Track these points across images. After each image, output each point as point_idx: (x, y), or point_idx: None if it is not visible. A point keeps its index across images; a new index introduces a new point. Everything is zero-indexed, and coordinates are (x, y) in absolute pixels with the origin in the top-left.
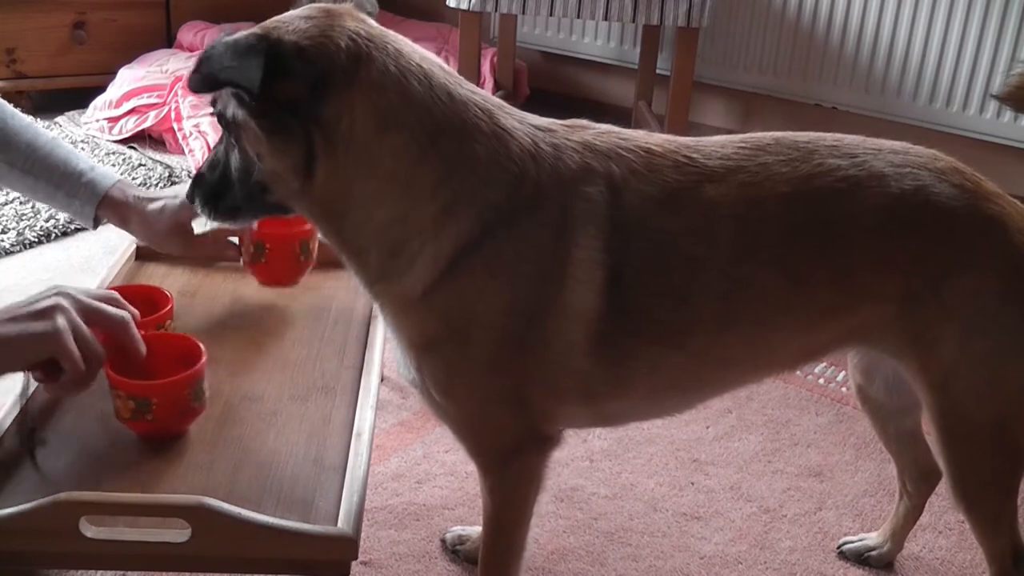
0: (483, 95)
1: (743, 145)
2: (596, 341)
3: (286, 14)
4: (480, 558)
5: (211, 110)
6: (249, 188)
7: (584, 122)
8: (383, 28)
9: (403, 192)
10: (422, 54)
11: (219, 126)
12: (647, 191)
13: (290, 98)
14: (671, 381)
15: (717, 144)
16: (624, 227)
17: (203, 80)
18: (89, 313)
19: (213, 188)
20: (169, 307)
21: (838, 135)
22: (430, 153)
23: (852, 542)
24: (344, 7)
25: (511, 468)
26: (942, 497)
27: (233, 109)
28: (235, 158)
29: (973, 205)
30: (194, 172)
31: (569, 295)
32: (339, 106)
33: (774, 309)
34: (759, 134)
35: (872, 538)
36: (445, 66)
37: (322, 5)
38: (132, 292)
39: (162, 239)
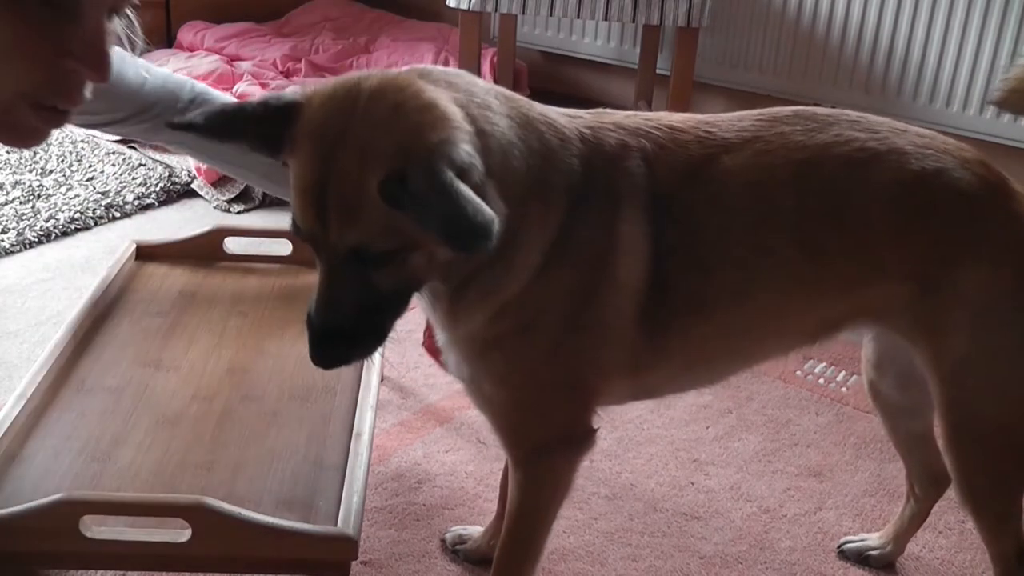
0: (521, 97)
1: (760, 117)
2: (642, 313)
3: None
4: (496, 556)
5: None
6: (406, 300)
7: (607, 110)
8: (455, 74)
9: (516, 202)
10: (485, 86)
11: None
12: (675, 164)
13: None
14: (702, 352)
15: (735, 118)
16: (659, 200)
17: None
18: None
19: (352, 330)
20: None
21: (862, 113)
22: (528, 162)
23: (853, 541)
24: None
25: (544, 463)
26: (942, 497)
27: (408, 236)
28: (387, 282)
29: (995, 198)
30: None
31: (621, 270)
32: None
33: (790, 277)
34: (778, 108)
35: (874, 538)
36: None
37: (420, 84)
38: None
39: None
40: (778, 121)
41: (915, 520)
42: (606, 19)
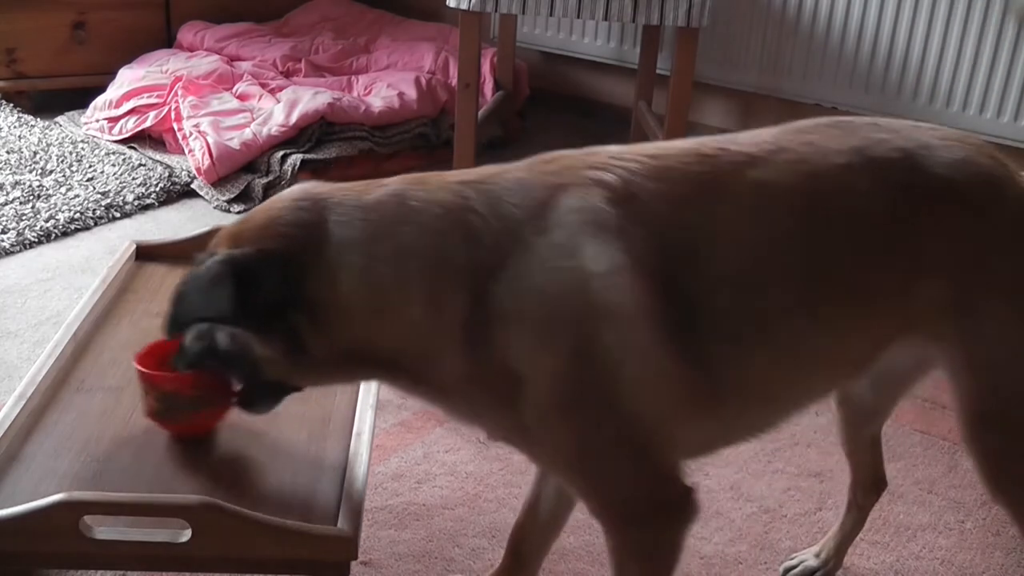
0: (396, 181)
1: (783, 131)
2: (669, 341)
3: (249, 216)
4: None
5: (211, 109)
6: (245, 372)
7: (553, 154)
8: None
9: (393, 310)
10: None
11: None
12: (662, 188)
13: (268, 300)
14: (763, 390)
15: (750, 135)
16: (642, 222)
17: (174, 324)
18: None
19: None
20: None
21: (868, 118)
22: (378, 267)
23: (794, 567)
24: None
25: (640, 533)
26: (941, 497)
27: (220, 334)
28: (223, 346)
29: (1013, 180)
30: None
31: (601, 293)
32: (313, 281)
33: (840, 289)
34: (795, 123)
35: (810, 557)
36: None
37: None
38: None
39: None
40: (802, 132)
41: (856, 528)
42: (606, 19)
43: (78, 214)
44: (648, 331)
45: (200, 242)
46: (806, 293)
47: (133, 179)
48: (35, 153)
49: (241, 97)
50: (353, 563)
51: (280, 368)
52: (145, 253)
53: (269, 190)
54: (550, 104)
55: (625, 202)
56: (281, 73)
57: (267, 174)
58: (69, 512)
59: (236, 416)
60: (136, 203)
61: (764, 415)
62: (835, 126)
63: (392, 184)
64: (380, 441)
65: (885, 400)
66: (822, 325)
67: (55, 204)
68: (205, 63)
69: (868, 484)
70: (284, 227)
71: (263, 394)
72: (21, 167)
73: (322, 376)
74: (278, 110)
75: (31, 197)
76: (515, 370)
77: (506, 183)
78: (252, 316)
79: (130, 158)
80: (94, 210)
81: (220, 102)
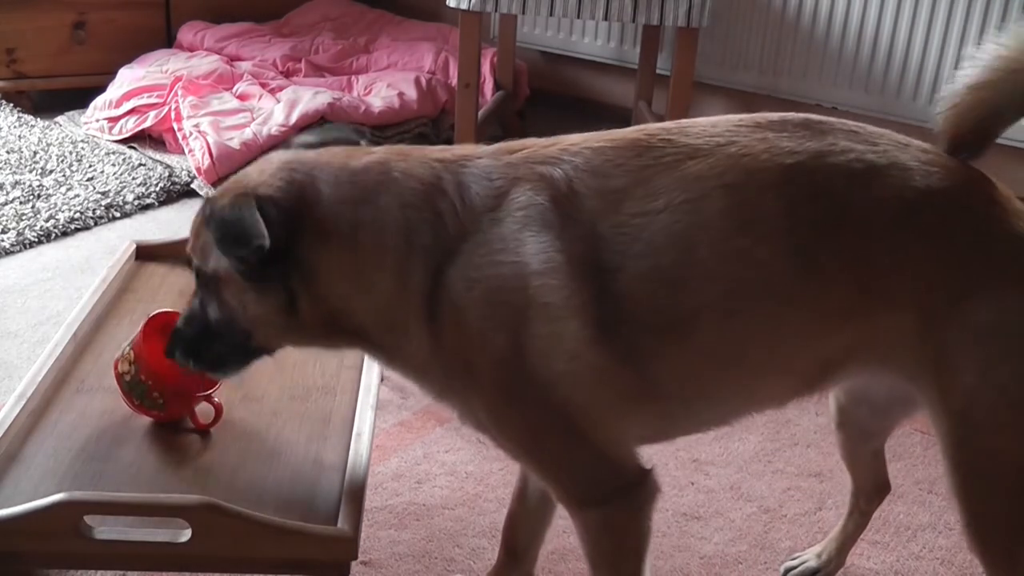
0: (381, 151)
1: (740, 123)
2: (601, 335)
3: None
4: None
5: (211, 109)
6: (234, 337)
7: (520, 142)
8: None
9: (368, 279)
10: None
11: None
12: (603, 183)
13: (273, 243)
14: (696, 385)
15: (707, 124)
16: (581, 219)
17: (229, 247)
18: None
19: (194, 342)
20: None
21: (860, 123)
22: (360, 232)
23: (794, 567)
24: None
25: (600, 513)
26: (941, 497)
27: (215, 263)
28: (214, 310)
29: (1004, 220)
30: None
31: (539, 292)
32: (305, 237)
33: (780, 297)
34: (764, 113)
35: (811, 557)
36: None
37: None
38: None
39: None
40: (761, 127)
41: (858, 531)
42: (606, 19)
43: (78, 214)
44: (579, 328)
45: None
46: (727, 295)
47: (133, 179)
48: (35, 153)
49: (241, 97)
50: (353, 563)
51: (272, 330)
52: (145, 253)
53: None
54: (550, 104)
55: (567, 200)
56: (281, 73)
57: None
58: (69, 512)
59: (236, 416)
60: (136, 203)
61: (709, 411)
62: (805, 125)
63: (378, 153)
64: (380, 441)
65: (884, 423)
66: (747, 330)
67: (55, 204)
68: (205, 63)
69: (870, 491)
70: (278, 182)
71: (239, 358)
72: (21, 167)
73: (307, 339)
74: (278, 110)
75: (31, 197)
76: (463, 355)
77: (475, 168)
78: (252, 260)
79: (130, 158)
80: (94, 210)
81: (220, 102)
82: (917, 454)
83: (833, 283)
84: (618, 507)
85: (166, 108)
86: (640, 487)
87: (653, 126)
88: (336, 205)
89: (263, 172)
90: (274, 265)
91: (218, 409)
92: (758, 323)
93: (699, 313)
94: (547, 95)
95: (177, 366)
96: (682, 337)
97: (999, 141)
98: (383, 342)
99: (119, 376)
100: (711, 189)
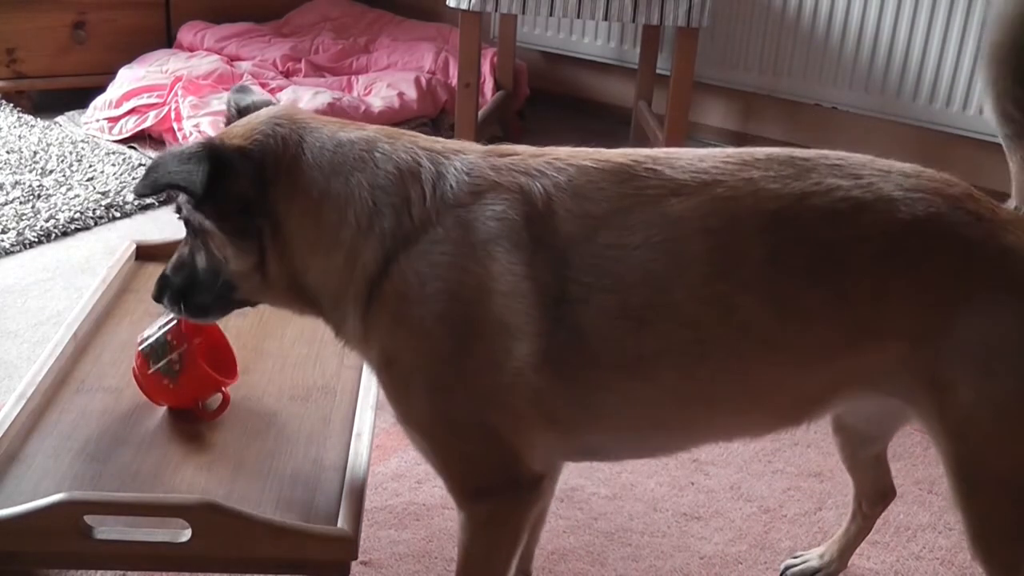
0: (374, 129)
1: (727, 159)
2: (549, 361)
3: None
4: None
5: (211, 109)
6: (218, 287)
7: (511, 147)
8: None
9: (325, 250)
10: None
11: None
12: (583, 207)
13: (241, 197)
14: (652, 418)
15: (694, 157)
16: (553, 243)
17: (147, 185)
18: None
19: (180, 289)
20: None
21: (843, 154)
22: (327, 202)
23: (795, 564)
24: (274, 109)
25: (484, 507)
26: (941, 497)
27: (197, 216)
28: (201, 259)
29: (991, 234)
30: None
31: (499, 310)
32: (278, 194)
33: (758, 341)
34: (751, 148)
35: (814, 557)
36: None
37: (267, 111)
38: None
39: None
40: (747, 165)
41: (861, 535)
42: (606, 19)
43: (78, 214)
44: (528, 352)
45: None
46: (698, 340)
47: (133, 179)
48: (35, 153)
49: None
50: (353, 563)
51: (250, 285)
52: (145, 253)
53: None
54: (550, 104)
55: (542, 220)
56: (281, 73)
57: None
58: (69, 512)
59: (236, 416)
60: (136, 203)
61: (669, 441)
62: (790, 163)
63: (369, 130)
64: (380, 441)
65: (882, 430)
66: (717, 373)
67: (55, 204)
68: (205, 63)
69: (872, 495)
70: (262, 136)
71: (222, 307)
72: (21, 167)
73: (279, 300)
74: None
75: (31, 197)
76: (385, 342)
77: (459, 163)
78: (232, 212)
79: (130, 158)
80: (94, 210)
81: (220, 102)
82: (917, 454)
83: (815, 325)
84: (505, 504)
85: (166, 108)
86: (531, 489)
87: (641, 152)
88: (312, 170)
89: (248, 123)
90: (249, 218)
91: (226, 397)
92: (730, 366)
93: (662, 355)
94: (547, 95)
95: (207, 331)
96: (639, 376)
97: (999, 141)
98: (331, 317)
99: (140, 343)
100: (693, 232)
